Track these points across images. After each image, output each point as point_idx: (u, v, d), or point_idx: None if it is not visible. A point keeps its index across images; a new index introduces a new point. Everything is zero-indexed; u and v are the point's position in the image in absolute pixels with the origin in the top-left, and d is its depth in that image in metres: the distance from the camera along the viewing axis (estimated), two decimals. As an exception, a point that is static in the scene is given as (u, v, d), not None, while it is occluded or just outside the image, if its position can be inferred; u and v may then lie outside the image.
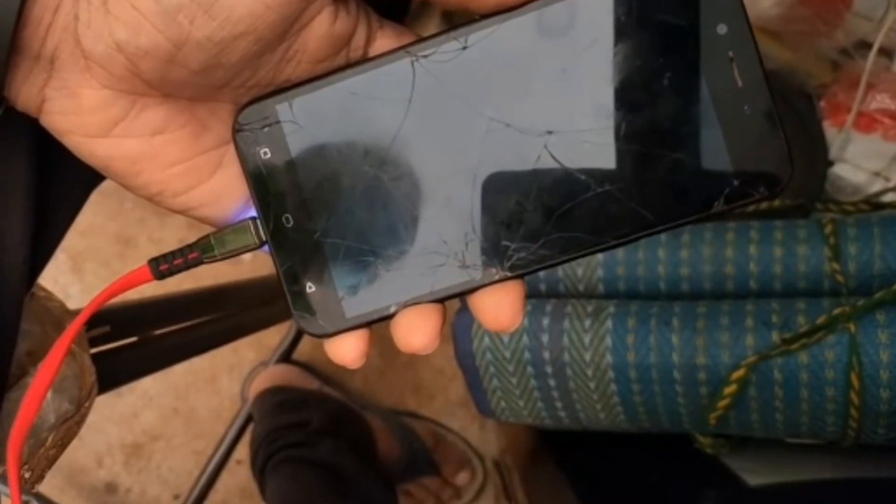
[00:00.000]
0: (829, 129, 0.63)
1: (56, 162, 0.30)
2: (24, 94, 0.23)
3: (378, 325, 0.26)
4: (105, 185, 0.33)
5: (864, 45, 0.61)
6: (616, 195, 0.24)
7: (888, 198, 0.62)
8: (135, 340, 0.57)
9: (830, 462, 0.56)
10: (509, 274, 0.25)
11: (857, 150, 0.62)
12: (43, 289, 0.39)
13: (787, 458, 0.57)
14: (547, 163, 0.24)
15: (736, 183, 0.23)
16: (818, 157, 0.63)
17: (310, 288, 0.25)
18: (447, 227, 0.24)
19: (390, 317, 0.25)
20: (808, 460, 0.57)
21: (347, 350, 0.25)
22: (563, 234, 0.24)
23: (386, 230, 0.25)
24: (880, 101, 0.61)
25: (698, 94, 0.23)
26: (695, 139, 0.23)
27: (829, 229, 0.54)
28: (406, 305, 0.25)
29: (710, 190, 0.24)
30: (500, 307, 0.25)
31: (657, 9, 0.23)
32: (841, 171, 0.63)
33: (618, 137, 0.24)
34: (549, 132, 0.24)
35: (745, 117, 0.23)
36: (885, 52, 0.61)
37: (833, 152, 0.63)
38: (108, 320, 0.47)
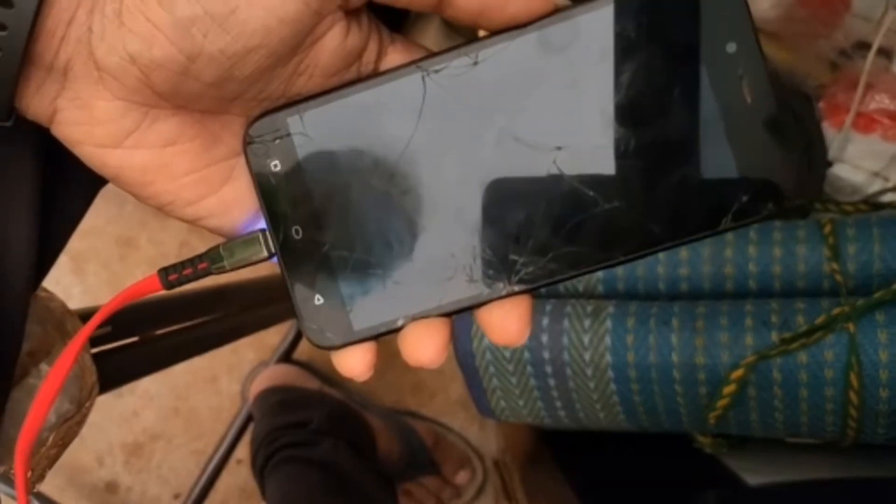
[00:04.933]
0: (829, 130, 0.63)
1: (61, 166, 0.30)
2: (36, 104, 0.23)
3: (386, 337, 0.26)
4: (106, 188, 0.33)
5: (863, 46, 0.61)
6: (624, 211, 0.24)
7: (887, 198, 0.62)
8: (135, 340, 0.57)
9: (830, 462, 0.56)
10: (517, 288, 0.25)
11: (856, 150, 0.62)
12: (44, 289, 0.39)
13: (787, 458, 0.57)
14: (556, 178, 0.24)
15: (744, 199, 0.24)
16: (817, 158, 0.63)
17: (318, 300, 0.25)
18: (455, 240, 0.25)
19: (398, 330, 0.25)
20: (807, 460, 0.57)
21: (355, 363, 0.25)
22: (571, 248, 0.24)
23: (395, 243, 0.25)
24: (879, 101, 0.61)
25: (708, 111, 0.23)
26: (704, 156, 0.24)
27: (828, 229, 0.54)
28: (414, 319, 0.25)
29: (718, 207, 0.24)
30: (507, 322, 0.25)
31: (666, 27, 0.23)
32: (840, 171, 0.63)
33: (627, 154, 0.24)
34: (559, 147, 0.24)
35: (754, 134, 0.23)
36: (884, 52, 0.61)
37: (832, 153, 0.63)
38: (108, 320, 0.47)
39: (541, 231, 0.24)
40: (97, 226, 1.05)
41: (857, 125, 0.62)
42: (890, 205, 0.60)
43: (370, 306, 0.25)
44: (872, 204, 0.60)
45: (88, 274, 1.06)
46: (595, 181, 0.24)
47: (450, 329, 0.25)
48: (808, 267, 0.54)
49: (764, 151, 0.23)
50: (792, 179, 0.24)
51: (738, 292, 0.56)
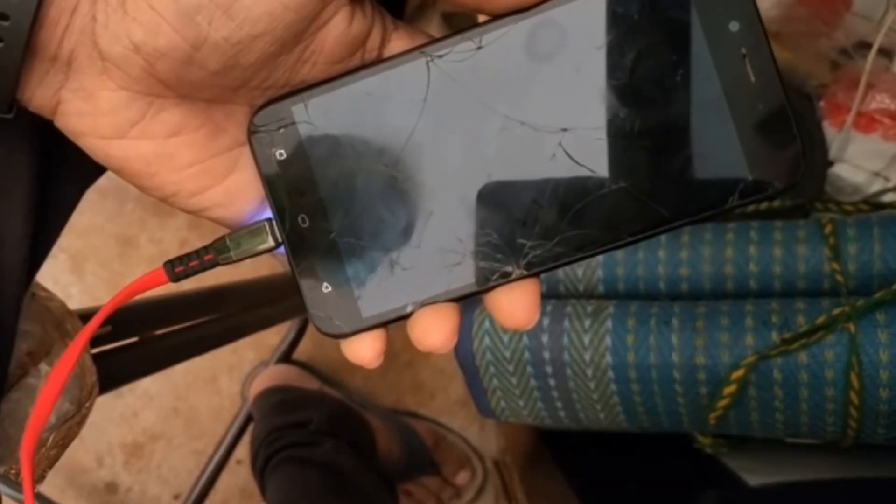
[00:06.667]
0: (829, 130, 0.63)
1: (53, 161, 0.30)
2: (39, 95, 0.23)
3: (394, 324, 0.26)
4: (105, 186, 0.33)
5: (864, 46, 0.61)
6: (631, 192, 0.24)
7: (888, 198, 0.62)
8: (135, 340, 0.57)
9: (830, 462, 0.56)
10: (525, 272, 0.25)
11: (857, 150, 0.62)
12: (44, 289, 0.39)
13: (787, 458, 0.57)
14: (562, 160, 0.24)
15: (750, 178, 0.24)
16: (818, 158, 0.63)
17: (326, 288, 0.25)
18: (463, 225, 0.25)
19: (407, 316, 0.25)
20: (807, 460, 0.57)
21: (365, 350, 0.25)
22: (579, 231, 0.24)
23: (402, 230, 0.25)
24: (880, 101, 0.61)
25: (712, 90, 0.23)
26: (709, 135, 0.24)
27: (828, 229, 0.54)
28: (423, 305, 0.25)
29: (724, 185, 0.24)
30: (516, 306, 0.25)
31: (670, 6, 0.23)
32: (840, 171, 0.63)
33: (632, 134, 0.24)
34: (564, 130, 0.24)
35: (759, 113, 0.23)
36: (884, 52, 0.61)
37: (833, 152, 0.63)
38: (108, 320, 0.47)
39: (548, 214, 0.24)
40: (96, 224, 1.05)
41: (858, 125, 0.62)
42: (890, 205, 0.60)
43: (379, 293, 0.25)
44: (873, 204, 0.60)
45: (87, 273, 1.05)
46: (601, 162, 0.24)
47: (458, 314, 0.25)
48: (809, 267, 0.54)
49: (769, 129, 0.23)
50: (798, 157, 0.24)
51: (738, 292, 0.56)
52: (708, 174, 0.24)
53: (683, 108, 0.24)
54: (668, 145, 0.24)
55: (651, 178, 0.24)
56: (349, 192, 0.25)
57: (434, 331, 0.24)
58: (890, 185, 0.62)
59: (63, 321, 0.39)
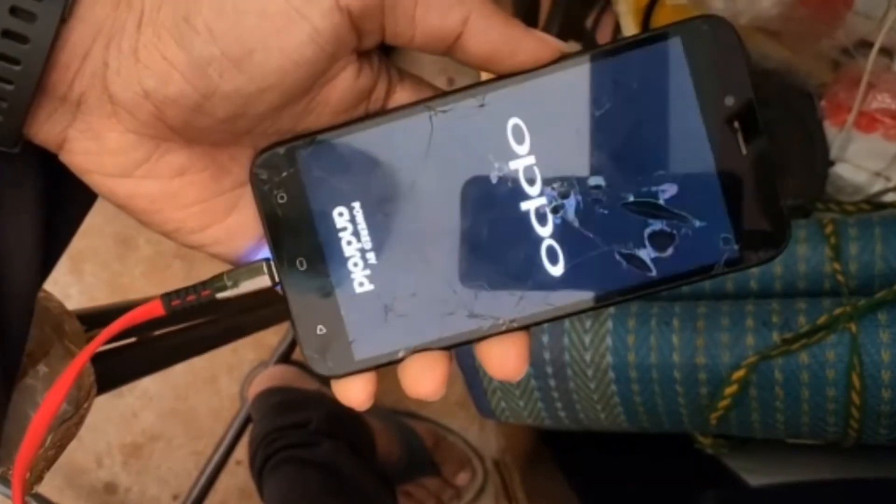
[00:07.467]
0: (830, 129, 0.63)
1: (63, 172, 0.30)
2: (45, 132, 0.23)
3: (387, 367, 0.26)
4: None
5: (865, 45, 0.61)
6: (621, 254, 0.25)
7: (889, 197, 0.62)
8: (134, 340, 0.56)
9: (831, 462, 0.56)
10: (516, 325, 0.25)
11: (858, 149, 0.62)
12: (43, 289, 0.39)
13: (788, 459, 0.57)
14: (556, 219, 0.25)
15: (736, 248, 0.25)
16: (819, 157, 0.63)
17: (320, 330, 0.26)
18: (457, 276, 0.25)
19: (399, 361, 0.26)
20: (808, 461, 0.56)
21: (355, 392, 0.26)
22: (570, 289, 0.25)
23: (397, 277, 0.25)
24: (881, 100, 0.61)
25: (704, 162, 0.24)
26: (699, 206, 0.25)
27: (829, 229, 0.54)
28: (415, 351, 0.25)
29: (711, 254, 0.25)
30: (506, 357, 0.25)
31: (668, 78, 0.24)
32: (842, 170, 0.63)
33: (625, 199, 0.25)
34: (560, 189, 0.25)
35: (748, 186, 0.24)
36: (885, 51, 0.61)
37: (834, 152, 0.63)
38: (106, 321, 0.47)
39: (540, 270, 0.25)
40: (95, 225, 1.04)
41: (859, 124, 0.62)
42: (892, 204, 0.60)
43: (372, 337, 0.26)
44: (874, 204, 0.60)
45: (86, 273, 1.05)
46: (594, 224, 0.25)
47: (449, 362, 0.26)
48: (810, 267, 0.54)
49: (756, 203, 0.25)
50: (782, 231, 0.25)
51: (739, 292, 0.56)
52: (695, 243, 0.25)
53: (676, 177, 0.24)
54: (660, 212, 0.25)
55: (641, 241, 0.25)
56: (347, 239, 0.25)
57: (425, 379, 0.25)
58: (891, 184, 0.62)
59: (61, 322, 0.38)
